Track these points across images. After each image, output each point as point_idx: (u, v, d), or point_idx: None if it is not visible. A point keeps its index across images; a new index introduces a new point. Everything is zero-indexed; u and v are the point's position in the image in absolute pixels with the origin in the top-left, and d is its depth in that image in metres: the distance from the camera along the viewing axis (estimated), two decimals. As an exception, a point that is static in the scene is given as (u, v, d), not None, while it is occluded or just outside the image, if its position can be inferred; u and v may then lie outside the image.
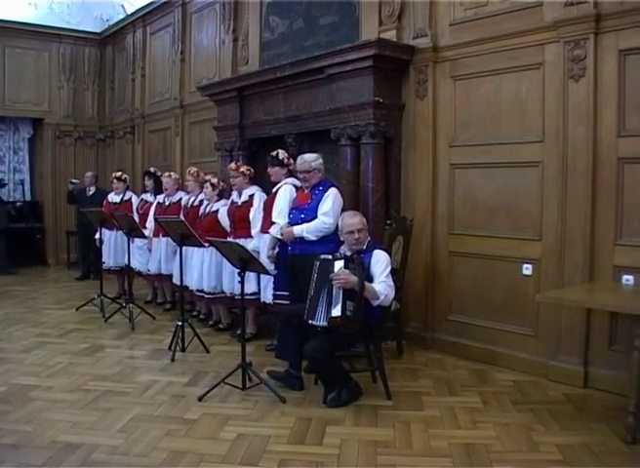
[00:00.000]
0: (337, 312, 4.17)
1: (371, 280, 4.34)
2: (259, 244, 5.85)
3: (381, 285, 4.31)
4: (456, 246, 5.70)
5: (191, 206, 7.12)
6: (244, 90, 7.50)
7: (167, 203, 7.54)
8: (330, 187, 5.34)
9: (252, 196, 6.15)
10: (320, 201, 5.28)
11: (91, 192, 9.84)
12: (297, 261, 5.31)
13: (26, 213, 11.45)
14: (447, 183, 5.74)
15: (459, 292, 5.70)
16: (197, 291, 6.59)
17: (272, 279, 5.70)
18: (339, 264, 4.28)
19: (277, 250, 5.63)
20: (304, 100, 6.69)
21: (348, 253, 4.54)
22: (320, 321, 4.27)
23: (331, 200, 5.25)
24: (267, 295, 5.84)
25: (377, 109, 5.80)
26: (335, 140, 6.16)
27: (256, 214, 6.00)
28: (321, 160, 5.41)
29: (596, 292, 4.38)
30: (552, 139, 4.92)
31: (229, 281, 6.27)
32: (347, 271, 4.21)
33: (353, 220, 4.57)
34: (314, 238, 5.23)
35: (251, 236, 5.99)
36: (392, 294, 4.38)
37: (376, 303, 4.31)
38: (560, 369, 4.88)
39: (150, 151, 10.81)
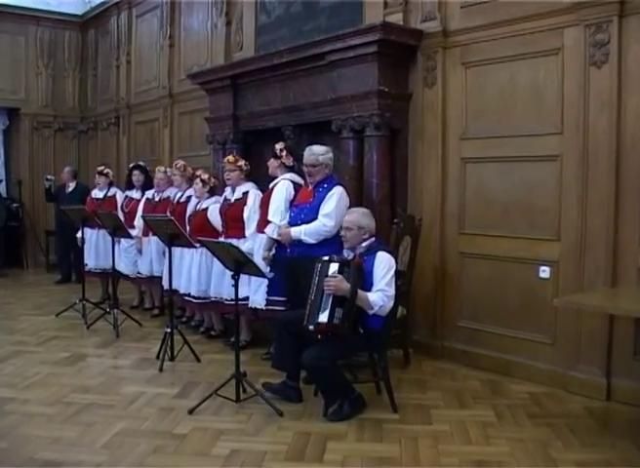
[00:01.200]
0: (323, 318, 4.23)
1: (372, 285, 4.35)
2: (253, 245, 5.85)
3: (378, 295, 4.31)
4: (467, 246, 5.70)
5: (177, 202, 7.13)
6: (238, 78, 7.50)
7: (156, 199, 7.55)
8: (335, 186, 5.30)
9: (246, 194, 6.15)
10: (323, 200, 5.25)
11: (70, 188, 9.82)
12: (297, 264, 5.31)
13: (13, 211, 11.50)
14: (457, 179, 5.74)
15: (470, 296, 5.70)
16: (187, 295, 6.60)
17: (265, 282, 5.69)
18: (332, 267, 4.31)
19: (274, 251, 5.63)
20: (303, 89, 6.70)
21: (351, 255, 4.54)
22: (310, 325, 4.30)
23: (334, 200, 5.21)
24: (258, 300, 5.79)
25: (381, 99, 5.80)
26: (336, 133, 6.17)
27: (250, 214, 6.00)
28: (331, 154, 5.38)
29: (620, 296, 4.37)
30: (572, 131, 4.92)
31: (217, 284, 6.28)
32: (340, 277, 4.23)
33: (347, 217, 4.63)
34: (313, 241, 5.22)
35: (244, 236, 5.99)
36: (389, 305, 4.38)
37: (370, 313, 4.33)
38: (580, 380, 4.88)
39: (137, 144, 10.82)
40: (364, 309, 4.31)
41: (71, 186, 9.84)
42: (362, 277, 4.32)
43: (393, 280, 4.40)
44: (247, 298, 5.91)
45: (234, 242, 5.61)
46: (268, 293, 5.72)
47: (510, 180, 5.36)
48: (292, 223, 5.39)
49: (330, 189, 5.27)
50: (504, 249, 5.40)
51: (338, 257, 4.40)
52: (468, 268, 5.71)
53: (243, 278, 5.72)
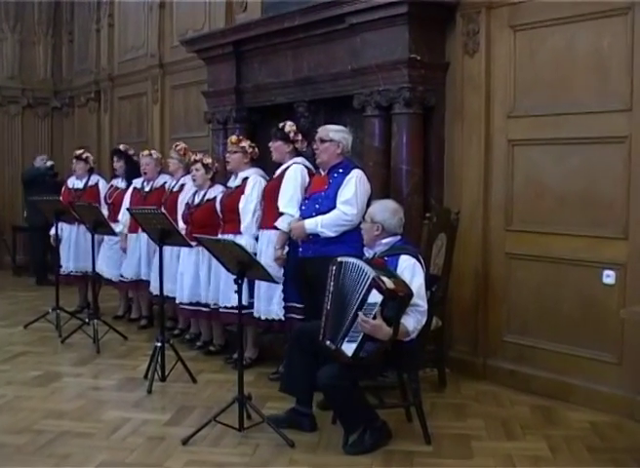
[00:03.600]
0: (348, 350, 4.21)
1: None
2: (248, 241, 5.86)
3: (412, 318, 4.30)
4: (515, 246, 5.68)
5: (170, 191, 7.15)
6: (242, 44, 7.51)
7: (147, 189, 7.59)
8: (353, 169, 5.33)
9: (246, 180, 6.19)
10: (340, 186, 5.27)
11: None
12: (309, 267, 5.32)
13: None
14: (504, 165, 5.72)
15: (518, 305, 5.69)
16: (182, 303, 6.64)
17: (279, 287, 5.72)
18: (376, 297, 4.16)
19: (287, 249, 5.64)
20: (320, 58, 6.70)
21: (370, 254, 4.56)
22: (332, 344, 4.30)
23: (353, 184, 5.24)
24: (274, 310, 5.82)
25: (413, 69, 5.80)
26: (359, 110, 6.17)
27: (246, 204, 6.03)
28: (346, 135, 5.41)
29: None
30: (643, 108, 4.90)
31: (217, 289, 6.31)
32: (379, 322, 4.12)
33: (370, 208, 4.67)
34: (332, 234, 5.22)
35: (240, 232, 6.04)
36: (423, 321, 4.40)
37: (407, 339, 4.33)
38: (651, 406, 4.87)
39: (121, 123, 10.88)
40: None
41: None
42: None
43: (423, 288, 4.39)
44: (250, 306, 5.93)
45: (229, 238, 5.65)
46: (285, 300, 5.74)
47: (567, 166, 5.34)
48: (304, 216, 5.40)
49: (347, 173, 5.29)
50: (560, 249, 5.38)
51: (378, 281, 4.15)
52: (516, 272, 5.69)
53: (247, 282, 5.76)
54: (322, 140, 5.34)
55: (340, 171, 5.33)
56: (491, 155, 5.80)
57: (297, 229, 5.40)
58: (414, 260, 4.44)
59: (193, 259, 6.52)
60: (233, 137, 6.40)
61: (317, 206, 5.32)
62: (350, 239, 5.16)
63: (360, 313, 4.17)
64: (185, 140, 8.23)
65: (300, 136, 5.85)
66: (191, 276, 6.55)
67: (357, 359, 4.21)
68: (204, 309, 6.51)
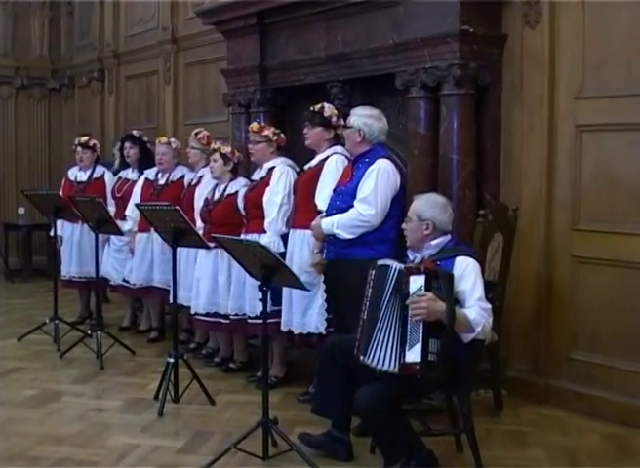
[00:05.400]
0: (414, 356, 4.12)
1: (456, 303, 4.30)
2: (272, 239, 5.92)
3: (476, 310, 4.28)
4: (583, 248, 5.66)
5: (189, 185, 7.18)
6: (266, 15, 7.54)
7: (161, 182, 7.63)
8: (378, 159, 5.32)
9: (272, 170, 6.23)
10: (361, 179, 5.29)
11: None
12: (331, 271, 5.36)
13: None
14: (570, 154, 5.70)
15: (587, 317, 5.66)
16: (197, 314, 6.68)
17: (319, 296, 5.73)
18: (417, 282, 4.19)
19: (326, 252, 5.65)
20: (356, 31, 6.71)
21: (418, 259, 4.54)
22: (386, 365, 4.22)
23: (373, 179, 5.23)
24: (313, 323, 5.79)
25: (465, 43, 5.79)
26: (402, 91, 6.17)
27: (271, 196, 6.07)
28: (371, 120, 5.40)
29: None
30: None
31: (237, 296, 6.35)
32: (431, 295, 4.13)
33: (413, 203, 4.64)
34: (349, 236, 5.25)
35: (265, 230, 6.09)
36: (490, 322, 4.36)
37: (469, 338, 4.30)
38: None
39: (128, 107, 10.96)
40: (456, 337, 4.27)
41: None
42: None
43: (484, 293, 4.38)
44: (277, 315, 5.95)
45: (253, 238, 5.67)
46: (328, 311, 5.74)
47: (645, 156, 5.33)
48: (328, 214, 5.43)
49: (370, 164, 5.30)
50: (636, 251, 5.36)
51: (417, 266, 4.30)
52: (585, 278, 5.67)
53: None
54: (345, 126, 5.38)
55: (366, 160, 5.35)
56: (555, 143, 5.78)
57: (315, 228, 5.45)
58: (472, 261, 4.42)
59: (211, 263, 6.56)
60: (254, 125, 6.41)
61: (338, 202, 5.37)
62: (373, 239, 5.19)
63: (408, 301, 4.15)
64: (202, 126, 8.17)
65: (342, 121, 5.82)
66: (208, 282, 6.58)
67: (429, 366, 4.11)
68: (223, 321, 6.53)
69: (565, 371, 5.79)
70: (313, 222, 5.47)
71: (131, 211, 7.65)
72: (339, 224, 5.24)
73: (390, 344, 4.21)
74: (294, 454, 4.60)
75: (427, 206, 4.57)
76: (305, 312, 5.84)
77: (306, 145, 5.99)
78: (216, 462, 4.58)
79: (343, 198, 5.32)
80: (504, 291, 5.59)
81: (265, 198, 6.08)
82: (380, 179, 5.22)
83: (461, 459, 4.74)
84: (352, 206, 5.24)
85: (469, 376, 4.66)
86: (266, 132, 6.31)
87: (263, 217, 6.10)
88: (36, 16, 12.42)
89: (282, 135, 6.42)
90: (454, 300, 4.18)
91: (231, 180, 6.66)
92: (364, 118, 5.38)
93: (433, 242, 4.54)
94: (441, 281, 4.18)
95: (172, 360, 5.83)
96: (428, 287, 4.14)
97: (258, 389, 5.70)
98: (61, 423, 5.45)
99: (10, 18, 12.20)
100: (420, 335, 4.11)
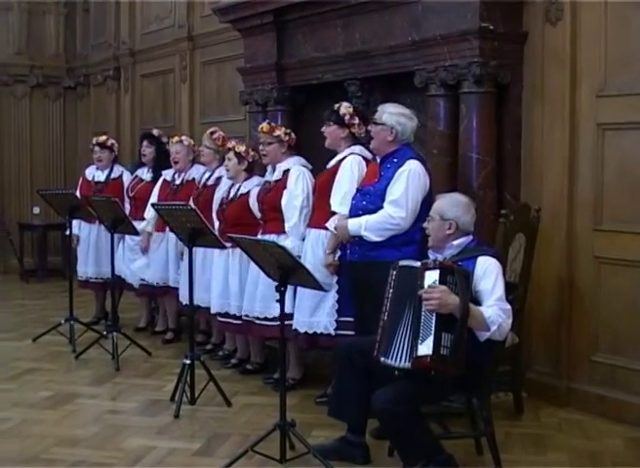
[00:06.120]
0: (426, 349, 4.12)
1: (476, 302, 4.32)
2: (295, 244, 5.91)
3: (493, 309, 4.27)
4: (605, 248, 5.64)
5: (204, 185, 7.19)
6: (284, 13, 7.55)
7: (177, 182, 7.65)
8: (408, 160, 5.29)
9: (287, 172, 6.22)
10: (390, 180, 5.26)
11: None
12: (355, 272, 5.35)
13: None
14: (593, 153, 5.68)
15: (610, 319, 5.64)
16: (217, 314, 6.69)
17: (332, 296, 5.74)
18: (431, 276, 4.22)
19: (339, 253, 5.66)
20: (375, 29, 6.71)
21: (439, 259, 4.53)
22: (399, 361, 4.24)
23: (404, 180, 5.20)
24: (322, 322, 5.81)
25: (485, 41, 5.78)
26: (421, 89, 6.16)
27: (290, 200, 6.06)
28: (405, 119, 5.35)
29: None
30: None
31: (249, 297, 6.34)
32: (444, 287, 4.15)
33: (436, 203, 4.64)
34: (377, 239, 5.23)
35: (284, 231, 6.08)
36: (509, 323, 4.34)
37: (485, 336, 4.29)
38: None
39: (144, 105, 10.98)
40: (473, 336, 4.27)
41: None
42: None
43: (504, 294, 4.37)
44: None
45: (272, 238, 5.67)
46: (339, 312, 5.75)
47: (669, 155, 5.29)
48: (352, 214, 5.41)
49: (401, 164, 5.26)
50: (660, 252, 5.34)
51: (433, 262, 4.34)
52: (607, 279, 5.65)
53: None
54: (375, 123, 5.34)
55: (395, 161, 5.31)
56: (577, 142, 5.76)
57: (340, 229, 5.42)
58: (494, 261, 4.42)
59: (222, 263, 6.60)
60: (265, 126, 6.39)
61: (364, 202, 5.34)
62: (401, 241, 5.18)
63: (421, 291, 4.16)
64: (218, 125, 8.23)
65: (356, 120, 5.81)
66: (220, 282, 6.61)
67: (440, 359, 4.10)
68: (234, 321, 6.56)
69: (587, 374, 5.77)
70: (337, 223, 5.45)
71: (148, 211, 7.62)
72: (367, 226, 5.21)
73: (405, 340, 4.23)
74: (311, 457, 4.60)
75: (450, 205, 4.57)
76: (314, 312, 5.83)
77: (326, 146, 5.98)
78: (232, 465, 4.59)
79: (371, 199, 5.29)
80: (526, 292, 5.57)
81: (284, 202, 6.08)
82: (410, 181, 5.19)
83: (481, 463, 4.73)
84: (380, 207, 5.22)
85: (489, 379, 4.66)
86: (278, 132, 6.31)
87: (282, 219, 6.10)
88: (51, 14, 12.42)
89: (292, 134, 6.41)
90: (470, 297, 4.19)
91: (245, 180, 6.68)
92: (397, 116, 5.33)
93: (455, 242, 4.54)
94: (456, 276, 4.20)
95: (188, 361, 5.84)
96: (443, 281, 4.16)
97: (275, 391, 5.71)
98: (77, 425, 5.47)
99: (25, 15, 12.20)
100: (433, 329, 4.12)
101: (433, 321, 4.13)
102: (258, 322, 6.28)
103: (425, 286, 4.19)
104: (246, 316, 6.39)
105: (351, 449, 4.74)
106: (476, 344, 4.29)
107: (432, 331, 4.11)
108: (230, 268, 6.53)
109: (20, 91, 12.33)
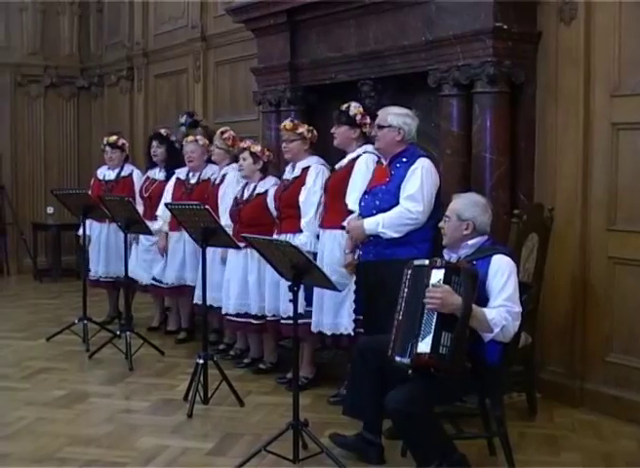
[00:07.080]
0: (425, 347, 4.16)
1: (487, 300, 4.34)
2: (308, 240, 5.93)
3: (498, 311, 4.28)
4: (619, 248, 5.63)
5: (213, 184, 7.20)
6: (297, 13, 7.55)
7: (192, 181, 7.66)
8: (418, 158, 5.34)
9: (306, 170, 6.24)
10: (402, 179, 5.29)
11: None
12: (371, 272, 5.35)
13: None
14: (607, 153, 5.67)
15: (624, 319, 5.63)
16: (228, 314, 6.70)
17: (349, 297, 5.75)
18: (436, 275, 4.25)
19: (359, 252, 5.64)
20: (388, 28, 6.70)
21: (453, 258, 4.54)
22: (404, 357, 4.28)
23: (419, 177, 5.24)
24: (343, 323, 5.81)
25: (498, 40, 5.77)
26: (434, 89, 6.16)
27: (308, 196, 6.08)
28: (409, 119, 5.41)
29: None
30: None
31: (271, 297, 6.35)
32: (447, 287, 4.19)
33: (452, 202, 4.64)
34: (395, 235, 5.24)
35: (300, 230, 6.09)
36: (514, 326, 4.34)
37: (488, 338, 4.30)
38: None
39: (158, 105, 11.00)
40: (480, 336, 4.30)
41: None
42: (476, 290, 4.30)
43: (517, 293, 4.38)
44: (309, 315, 5.97)
45: (288, 238, 5.67)
46: (356, 312, 5.74)
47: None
48: (364, 215, 5.42)
49: (412, 163, 5.30)
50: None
51: (441, 261, 4.37)
52: (621, 279, 5.64)
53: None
54: (379, 126, 5.36)
55: (404, 160, 5.35)
56: (591, 141, 5.75)
57: (355, 229, 5.43)
58: (508, 260, 4.43)
59: (241, 263, 6.58)
60: (287, 123, 6.41)
61: (377, 202, 5.35)
62: (417, 238, 5.19)
63: (426, 290, 4.19)
64: (231, 125, 8.24)
65: (368, 120, 5.84)
66: (239, 283, 6.60)
67: (439, 357, 4.13)
68: (254, 321, 6.56)
69: (600, 374, 5.76)
70: (352, 223, 5.46)
71: (162, 211, 7.60)
72: (384, 223, 5.23)
73: (411, 338, 4.24)
74: (324, 457, 4.62)
75: (468, 205, 4.58)
76: (337, 313, 5.85)
77: (335, 145, 6.00)
78: (245, 464, 4.61)
79: (384, 197, 5.31)
80: (539, 292, 5.57)
81: (302, 197, 6.09)
82: (425, 177, 5.25)
83: (494, 463, 4.73)
84: (394, 205, 5.24)
85: (502, 379, 4.66)
86: (301, 129, 6.32)
87: (298, 217, 6.11)
88: (65, 14, 12.45)
89: (315, 132, 6.41)
90: (473, 297, 4.20)
91: (261, 180, 6.68)
92: (403, 117, 5.37)
93: (470, 242, 4.56)
94: (462, 276, 4.22)
95: (201, 361, 5.86)
96: (447, 280, 4.20)
97: (288, 390, 5.72)
98: (90, 424, 5.49)
99: (39, 15, 12.21)
100: (433, 327, 4.16)
101: (434, 319, 4.18)
102: (282, 322, 6.29)
103: (432, 283, 4.23)
104: (273, 316, 6.40)
105: (367, 448, 4.76)
106: (488, 344, 4.31)
107: (432, 330, 4.16)
108: (249, 269, 6.54)
109: (35, 91, 12.35)
